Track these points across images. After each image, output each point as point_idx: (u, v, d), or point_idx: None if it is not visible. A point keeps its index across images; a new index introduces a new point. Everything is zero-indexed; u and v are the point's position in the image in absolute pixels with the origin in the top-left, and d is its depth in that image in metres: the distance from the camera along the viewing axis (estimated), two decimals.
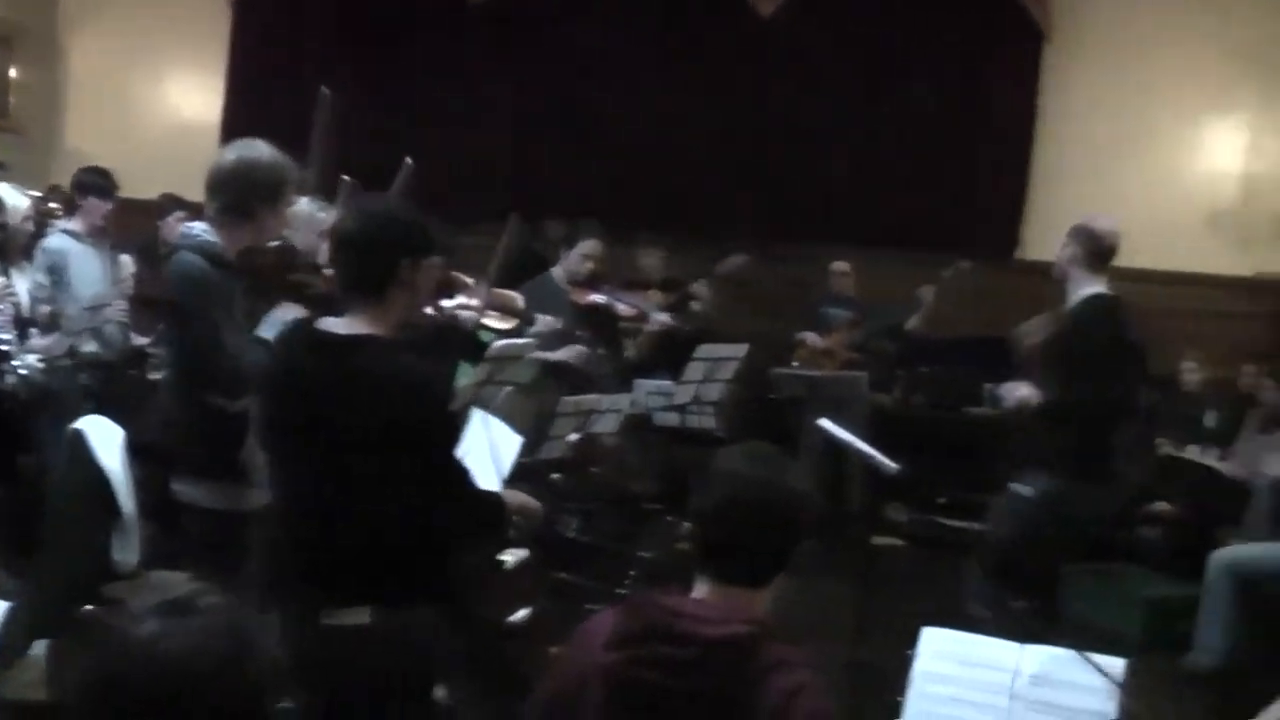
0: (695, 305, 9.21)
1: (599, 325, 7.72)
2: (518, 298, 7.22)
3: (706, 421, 8.90)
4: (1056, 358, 5.83)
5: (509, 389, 6.94)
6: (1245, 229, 10.32)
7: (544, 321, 7.13)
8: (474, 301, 6.96)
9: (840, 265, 9.97)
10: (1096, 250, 5.92)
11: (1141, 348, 6.00)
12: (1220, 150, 10.42)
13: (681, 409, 8.16)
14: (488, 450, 4.82)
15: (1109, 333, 5.79)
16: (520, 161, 10.93)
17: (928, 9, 10.70)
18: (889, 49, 10.78)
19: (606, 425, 6.94)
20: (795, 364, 9.68)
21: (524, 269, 7.94)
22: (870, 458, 6.04)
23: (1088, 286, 5.89)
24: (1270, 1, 10.16)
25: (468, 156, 10.89)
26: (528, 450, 6.50)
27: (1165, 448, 8.75)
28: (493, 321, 6.96)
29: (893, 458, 9.45)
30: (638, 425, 8.58)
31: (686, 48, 10.95)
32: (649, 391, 8.00)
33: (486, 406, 6.92)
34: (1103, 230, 5.94)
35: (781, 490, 2.84)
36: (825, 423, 6.23)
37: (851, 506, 9.16)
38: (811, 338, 9.82)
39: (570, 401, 6.73)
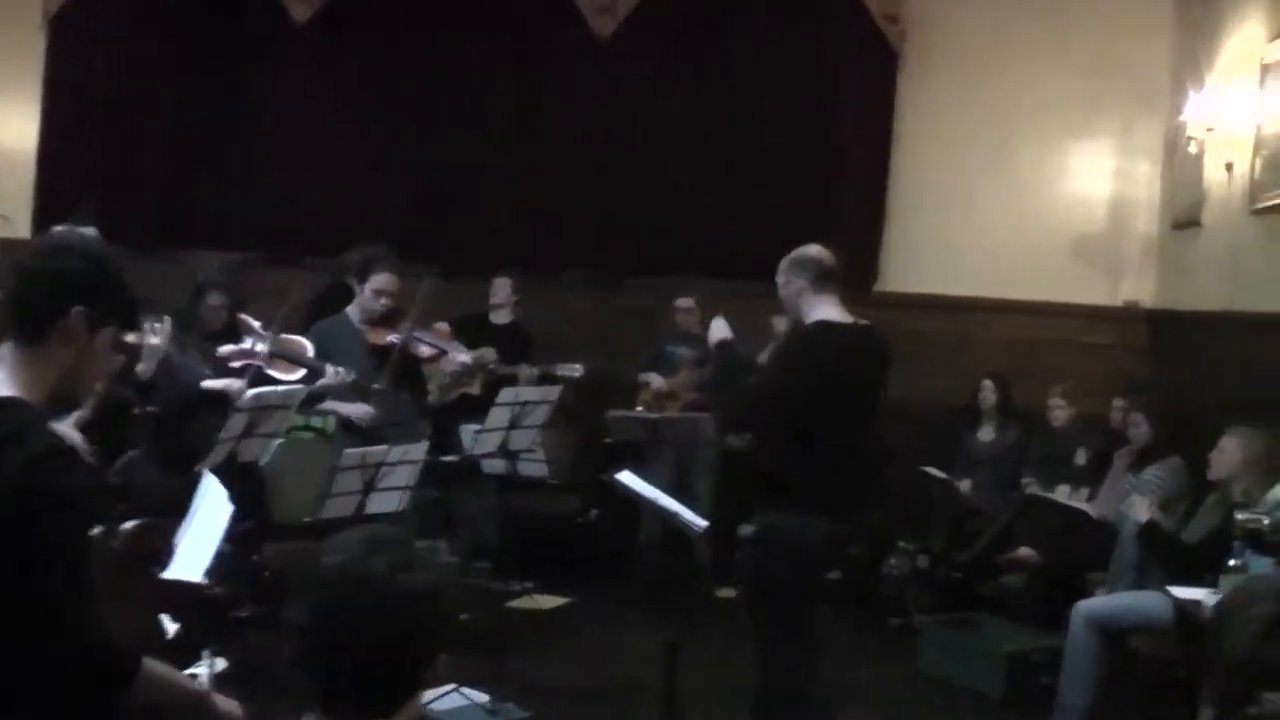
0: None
1: (398, 367, 7.06)
2: (306, 345, 6.89)
3: (537, 469, 8.46)
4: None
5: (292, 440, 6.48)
6: (1113, 257, 10.11)
7: (333, 373, 6.68)
8: (260, 348, 6.40)
9: (684, 302, 9.48)
10: (819, 274, 5.62)
11: (861, 374, 5.61)
12: (1085, 176, 10.18)
13: (513, 456, 7.82)
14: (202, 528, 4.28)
15: (811, 361, 5.51)
16: (348, 190, 10.25)
17: (779, 31, 10.30)
18: (738, 73, 10.33)
19: (399, 478, 6.36)
20: (639, 407, 9.15)
21: (338, 305, 7.47)
22: (676, 516, 5.56)
23: (818, 312, 5.59)
24: (1134, 23, 9.97)
25: (297, 184, 10.31)
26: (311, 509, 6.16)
27: (1032, 487, 8.52)
28: (277, 371, 6.42)
29: (744, 502, 9.12)
30: (467, 474, 8.11)
31: (523, 72, 10.41)
32: (474, 435, 7.56)
33: (254, 461, 6.42)
34: (816, 254, 5.70)
35: (401, 591, 2.30)
36: (626, 476, 5.71)
37: (697, 558, 8.54)
38: (655, 379, 9.28)
39: (354, 454, 6.20)
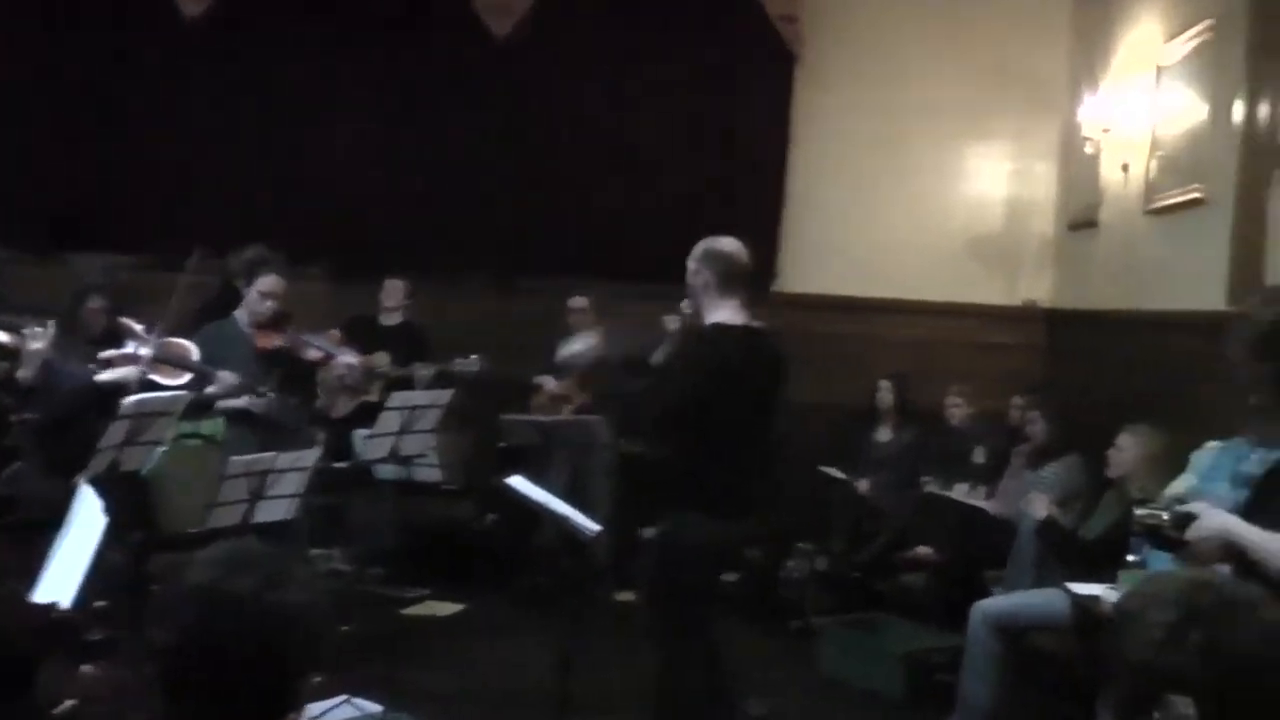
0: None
1: (287, 371, 6.93)
2: (191, 349, 6.73)
3: (432, 474, 8.34)
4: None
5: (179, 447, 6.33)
6: (1011, 257, 10.19)
7: (223, 379, 6.53)
8: (143, 352, 6.22)
9: (577, 301, 9.39)
10: (728, 272, 5.46)
11: (756, 378, 5.51)
12: (983, 177, 10.24)
13: (406, 461, 7.58)
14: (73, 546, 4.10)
15: (709, 363, 5.38)
16: (235, 190, 10.04)
17: (677, 31, 10.23)
18: (635, 72, 10.25)
19: (288, 486, 6.22)
20: (535, 410, 9.09)
21: (226, 308, 7.35)
22: (566, 520, 5.45)
23: (717, 314, 5.45)
24: (1031, 25, 10.04)
25: (183, 185, 10.10)
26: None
27: (930, 486, 8.50)
28: (161, 377, 6.25)
29: (643, 505, 9.02)
30: (361, 480, 8.03)
31: (418, 71, 10.25)
32: (365, 440, 7.53)
33: (137, 470, 6.25)
34: (731, 250, 5.53)
35: (269, 611, 2.20)
36: (516, 481, 5.60)
37: (597, 562, 8.44)
38: (548, 381, 9.17)
39: (241, 462, 6.06)
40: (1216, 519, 3.31)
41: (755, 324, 5.53)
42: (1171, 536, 3.36)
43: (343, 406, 8.71)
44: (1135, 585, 2.11)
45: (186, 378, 6.46)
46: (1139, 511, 3.45)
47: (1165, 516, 3.37)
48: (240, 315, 7.11)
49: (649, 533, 5.47)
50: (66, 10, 10.13)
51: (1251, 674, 1.93)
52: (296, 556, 6.78)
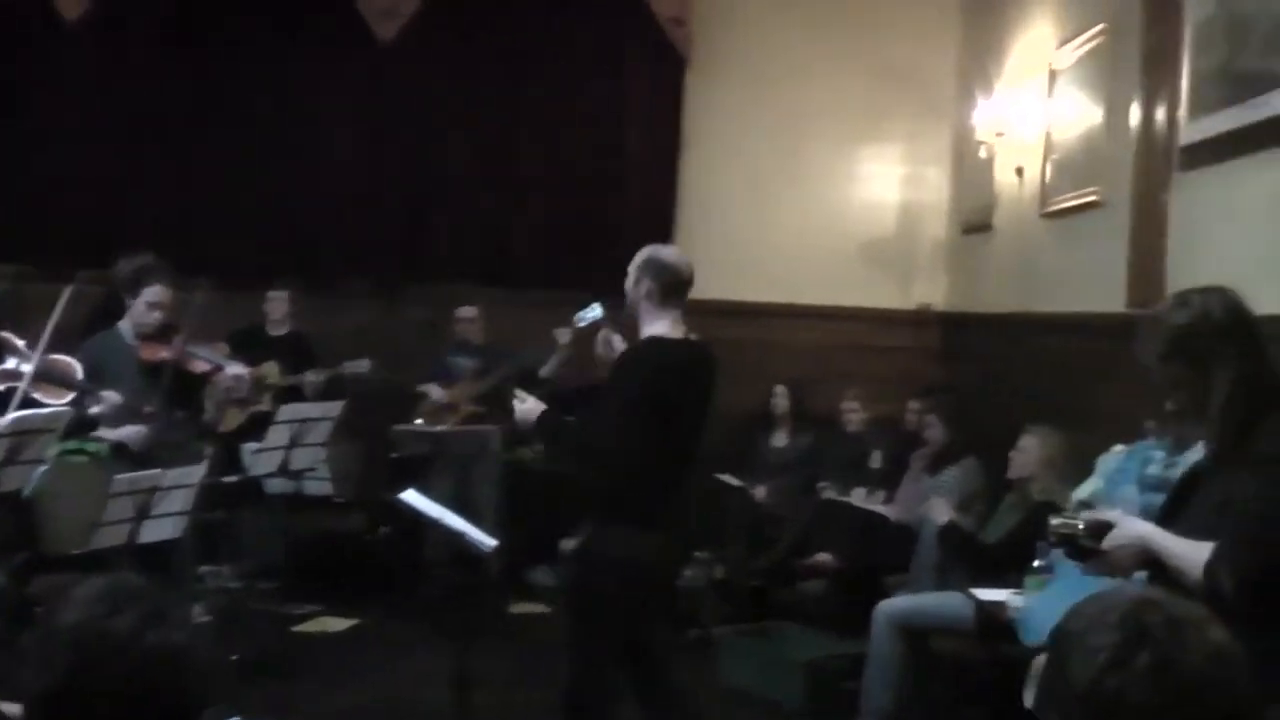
0: None
1: (173, 385, 6.75)
2: (75, 366, 6.48)
3: (322, 487, 8.23)
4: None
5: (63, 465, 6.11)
6: (905, 261, 10.24)
7: (107, 399, 6.34)
8: (24, 369, 6.00)
9: (466, 311, 9.29)
10: (671, 284, 5.24)
11: (692, 389, 5.35)
12: (876, 181, 10.28)
13: (296, 475, 7.53)
14: None
15: (649, 378, 5.16)
16: (120, 199, 9.84)
17: (566, 34, 10.17)
18: (522, 77, 10.15)
19: (174, 503, 6.11)
20: (419, 420, 8.92)
21: (110, 319, 7.12)
22: (461, 536, 5.30)
23: (654, 326, 5.25)
24: (920, 29, 10.10)
25: (66, 193, 9.82)
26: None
27: (828, 492, 8.47)
28: (42, 395, 6.15)
29: (536, 517, 8.94)
30: (250, 494, 7.92)
31: (299, 76, 10.05)
32: (254, 455, 7.45)
33: (17, 490, 6.03)
34: (675, 261, 5.30)
35: (150, 651, 2.08)
36: (411, 496, 5.45)
37: (489, 574, 8.33)
38: (434, 390, 9.03)
39: (124, 480, 5.92)
40: (1134, 528, 3.28)
41: (693, 337, 5.40)
42: (1087, 546, 3.32)
43: (232, 419, 8.51)
44: (1077, 605, 2.04)
45: (69, 395, 6.23)
46: (1054, 521, 3.40)
47: (1081, 525, 3.32)
48: (125, 327, 6.90)
49: (569, 544, 5.29)
50: None
51: (1200, 694, 1.87)
52: (174, 590, 6.65)
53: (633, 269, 5.26)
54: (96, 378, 6.51)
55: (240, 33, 9.95)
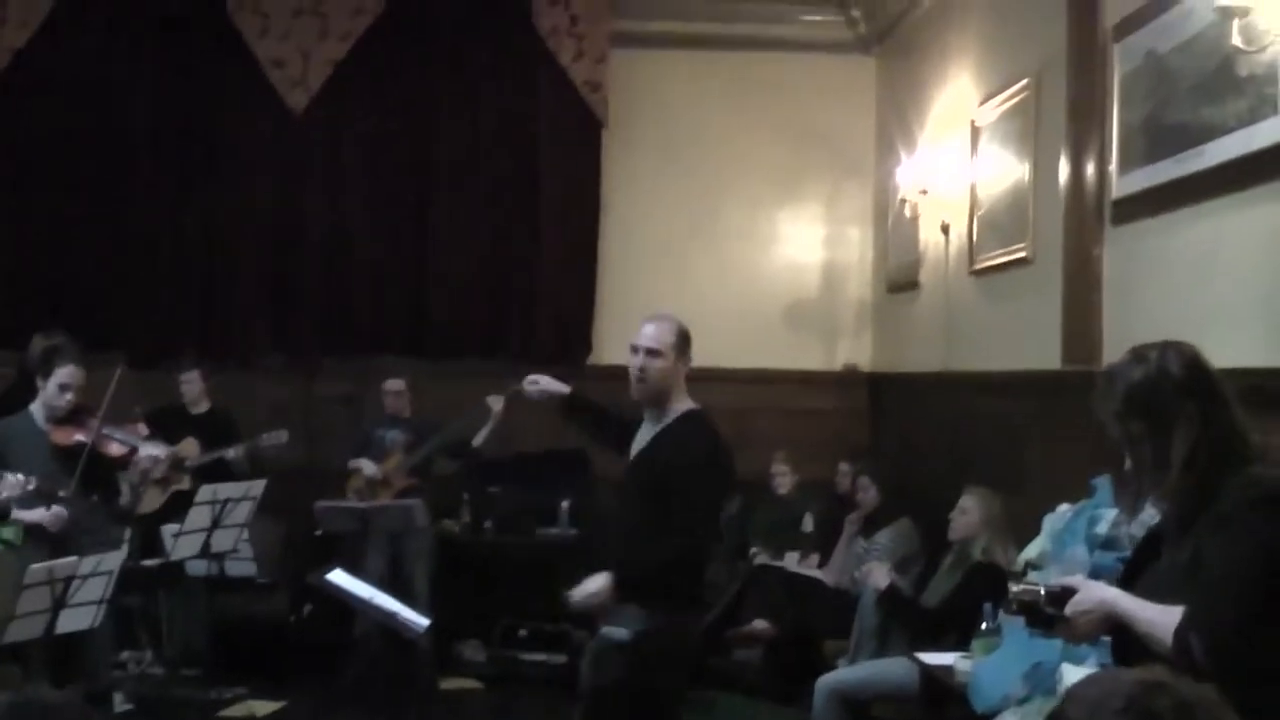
0: None
1: (88, 468, 6.66)
2: None
3: (245, 568, 8.15)
4: (652, 482, 4.99)
5: None
6: (829, 321, 10.23)
7: (12, 481, 6.20)
8: None
9: (394, 384, 9.13)
10: (689, 355, 5.23)
11: (730, 463, 5.22)
12: (796, 242, 10.28)
13: (217, 556, 7.41)
14: None
15: (708, 457, 5.03)
16: (24, 272, 9.72)
17: (482, 97, 10.09)
18: (438, 140, 10.07)
19: (92, 592, 5.95)
20: (351, 495, 8.79)
21: (22, 403, 6.99)
22: (392, 617, 5.12)
23: (683, 400, 5.16)
24: (835, 86, 10.13)
25: None
26: None
27: (760, 557, 8.45)
28: None
29: (463, 589, 8.79)
30: (170, 577, 7.82)
31: (214, 145, 9.95)
32: (174, 538, 7.20)
33: None
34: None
35: None
36: (337, 576, 5.29)
37: (419, 650, 8.19)
38: (366, 465, 8.86)
39: (40, 569, 5.77)
40: (1097, 592, 3.20)
41: None
42: (1049, 613, 3.23)
43: (151, 501, 8.35)
44: (1074, 688, 1.95)
45: None
46: (1014, 588, 3.33)
47: (1042, 592, 3.24)
48: (36, 410, 6.75)
49: (619, 634, 4.91)
50: None
51: None
52: (91, 682, 6.47)
53: (669, 347, 5.08)
54: (4, 463, 6.33)
55: (143, 98, 9.85)
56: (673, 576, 4.91)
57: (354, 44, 9.80)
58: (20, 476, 6.14)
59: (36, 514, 6.48)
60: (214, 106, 9.91)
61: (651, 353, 5.06)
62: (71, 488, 6.53)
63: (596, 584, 4.91)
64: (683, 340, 5.12)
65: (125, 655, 8.42)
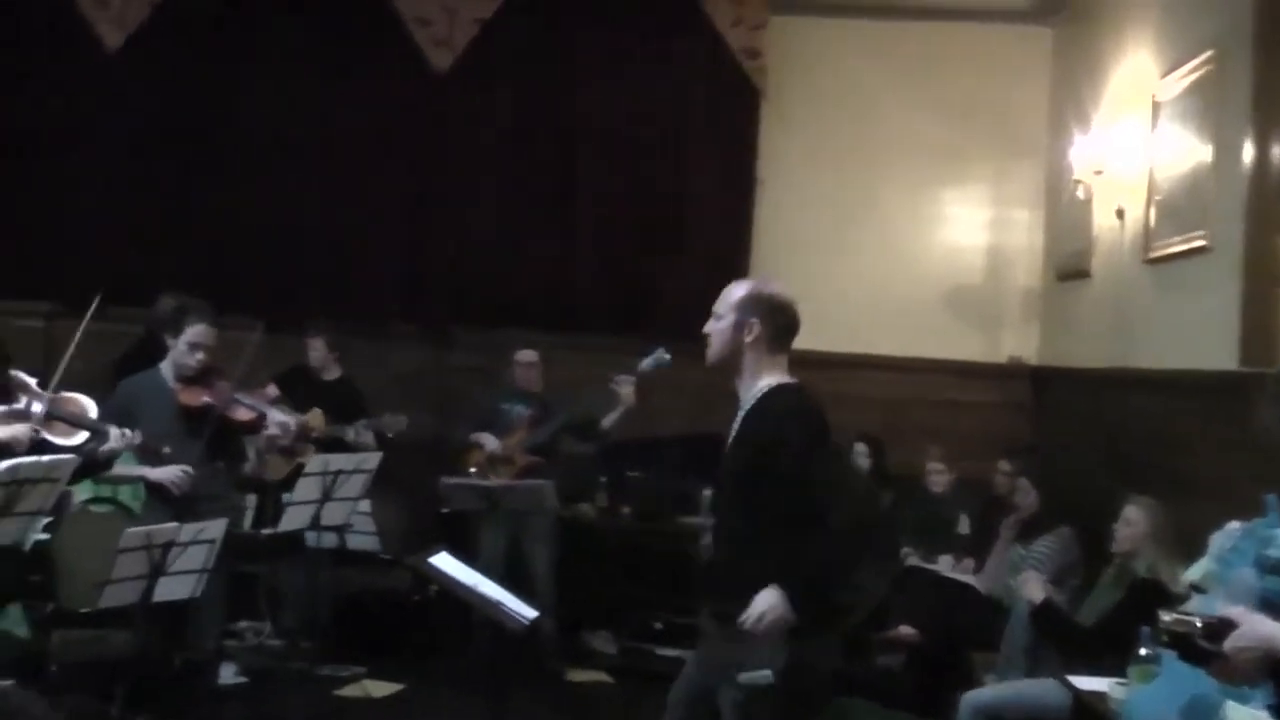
0: None
1: (215, 432, 6.67)
2: (88, 405, 6.24)
3: (368, 542, 8.36)
4: (750, 473, 4.53)
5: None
6: (992, 309, 9.99)
7: (116, 435, 6.09)
8: (35, 408, 5.81)
9: (526, 355, 8.99)
10: (785, 326, 4.67)
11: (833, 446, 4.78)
12: (961, 224, 10.06)
13: (331, 529, 7.43)
14: None
15: (815, 437, 4.53)
16: (148, 234, 9.79)
17: (631, 65, 10.01)
18: (583, 110, 10.01)
19: (193, 560, 5.94)
20: (472, 470, 8.64)
21: (148, 361, 6.98)
22: (497, 607, 4.94)
23: (770, 375, 4.63)
24: (1007, 62, 9.89)
25: (88, 226, 9.86)
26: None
27: (911, 559, 8.25)
28: (54, 435, 5.94)
29: (595, 577, 8.69)
30: (290, 548, 7.84)
31: (347, 106, 9.97)
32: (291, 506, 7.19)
33: (17, 543, 5.84)
34: (788, 300, 4.71)
35: None
36: (441, 560, 5.13)
37: (545, 639, 8.35)
38: (488, 440, 8.77)
39: (137, 533, 5.76)
40: (1261, 628, 2.95)
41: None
42: (1204, 648, 2.98)
43: (277, 469, 8.36)
44: None
45: (83, 436, 6.02)
46: (1165, 618, 3.08)
47: (1198, 624, 2.99)
48: (165, 368, 6.74)
49: (762, 677, 4.34)
50: None
51: None
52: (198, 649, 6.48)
53: (731, 309, 4.62)
54: (129, 419, 6.34)
55: (290, 65, 9.91)
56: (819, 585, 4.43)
57: (500, 2, 9.72)
58: (127, 431, 6.11)
59: (159, 473, 6.47)
60: (354, 66, 9.90)
61: (714, 316, 4.67)
62: (198, 451, 6.52)
63: (767, 600, 4.35)
64: (754, 304, 4.58)
65: (243, 625, 8.50)
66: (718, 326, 4.64)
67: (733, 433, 4.66)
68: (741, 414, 4.63)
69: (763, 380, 4.59)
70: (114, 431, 6.04)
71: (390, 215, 10.00)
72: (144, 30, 9.76)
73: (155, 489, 6.57)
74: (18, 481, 5.16)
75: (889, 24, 9.90)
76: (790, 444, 4.42)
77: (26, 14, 9.85)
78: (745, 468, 4.55)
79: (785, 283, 9.15)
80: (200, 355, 6.68)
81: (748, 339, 4.57)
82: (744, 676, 4.36)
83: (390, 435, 8.44)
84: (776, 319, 4.61)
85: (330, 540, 7.70)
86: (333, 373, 9.03)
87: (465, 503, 8.16)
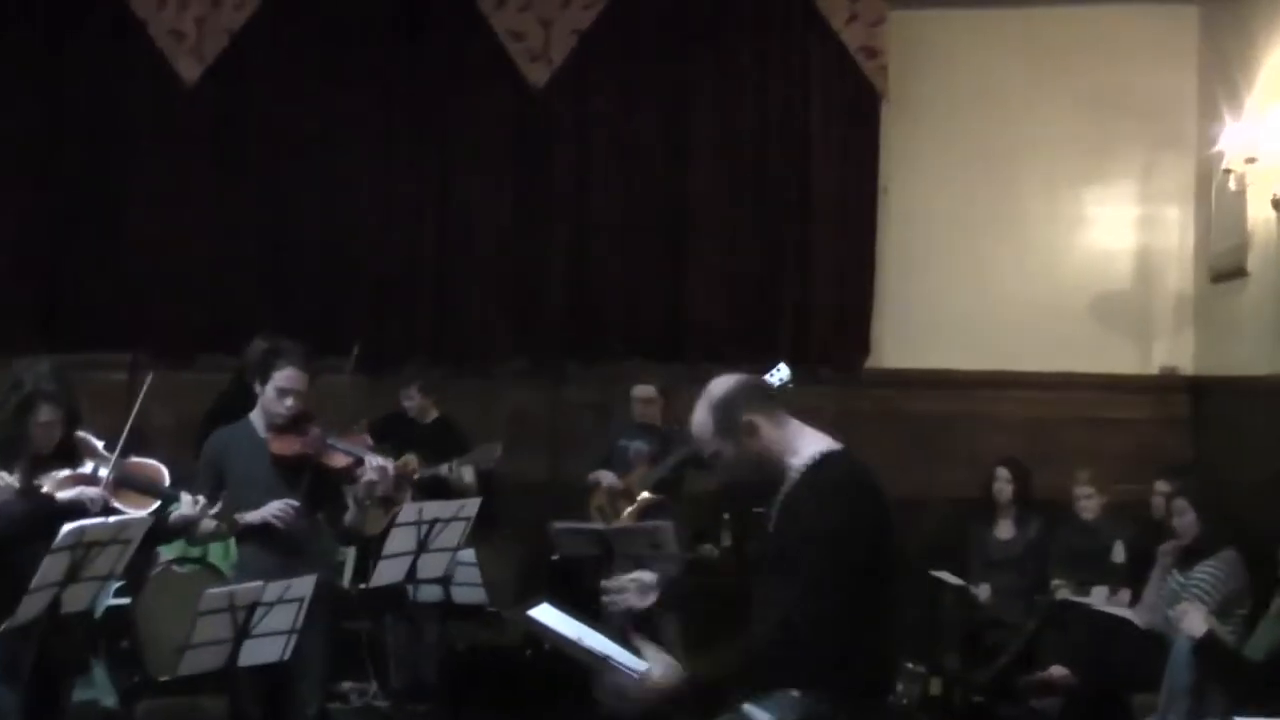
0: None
1: (313, 483, 6.49)
2: (160, 470, 6.17)
3: (475, 594, 8.08)
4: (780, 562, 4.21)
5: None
6: (1142, 317, 9.81)
7: (189, 502, 5.96)
8: (101, 473, 5.76)
9: (644, 390, 8.91)
10: (767, 395, 4.34)
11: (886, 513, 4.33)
12: (1104, 226, 9.89)
13: (440, 581, 7.30)
14: None
15: (855, 503, 4.17)
16: (239, 274, 9.84)
17: (741, 71, 9.90)
18: (693, 119, 9.91)
19: (280, 621, 5.77)
20: (594, 514, 8.61)
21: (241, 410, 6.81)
22: (605, 662, 4.64)
23: (815, 442, 4.28)
24: (1150, 48, 9.71)
25: (179, 269, 9.82)
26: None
27: (1062, 591, 8.07)
28: (123, 504, 5.86)
29: (721, 624, 8.48)
30: (391, 604, 7.93)
31: (449, 127, 9.95)
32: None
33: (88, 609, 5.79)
34: (728, 389, 4.28)
35: None
36: (541, 612, 4.87)
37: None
38: (606, 476, 8.70)
39: (219, 594, 5.58)
40: None
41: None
42: None
43: (375, 521, 8.25)
44: None
45: (153, 504, 5.96)
46: None
47: None
48: (255, 418, 6.60)
49: (761, 715, 4.22)
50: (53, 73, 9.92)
51: None
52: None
53: (703, 438, 4.30)
54: (221, 477, 6.26)
55: (387, 78, 9.92)
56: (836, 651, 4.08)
57: (600, 11, 9.66)
58: (200, 498, 6.04)
59: (265, 510, 6.28)
60: (448, 86, 9.88)
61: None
62: (296, 502, 6.44)
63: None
64: (723, 413, 4.24)
65: (347, 686, 8.43)
66: (722, 456, 4.30)
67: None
68: (779, 499, 4.29)
69: (796, 458, 4.24)
70: (186, 498, 5.97)
71: (495, 240, 9.94)
72: (223, 60, 9.79)
73: (256, 535, 6.46)
74: (85, 544, 5.10)
75: (1018, 11, 9.77)
76: (814, 534, 4.06)
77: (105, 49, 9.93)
78: (776, 553, 4.24)
79: (916, 295, 9.16)
80: (290, 401, 6.54)
81: (747, 440, 4.23)
82: (745, 706, 4.19)
83: (487, 469, 8.35)
84: (747, 410, 4.22)
85: (434, 594, 7.58)
86: (429, 415, 9.00)
87: (577, 548, 8.04)
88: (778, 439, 4.19)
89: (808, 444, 4.20)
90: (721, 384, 4.23)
